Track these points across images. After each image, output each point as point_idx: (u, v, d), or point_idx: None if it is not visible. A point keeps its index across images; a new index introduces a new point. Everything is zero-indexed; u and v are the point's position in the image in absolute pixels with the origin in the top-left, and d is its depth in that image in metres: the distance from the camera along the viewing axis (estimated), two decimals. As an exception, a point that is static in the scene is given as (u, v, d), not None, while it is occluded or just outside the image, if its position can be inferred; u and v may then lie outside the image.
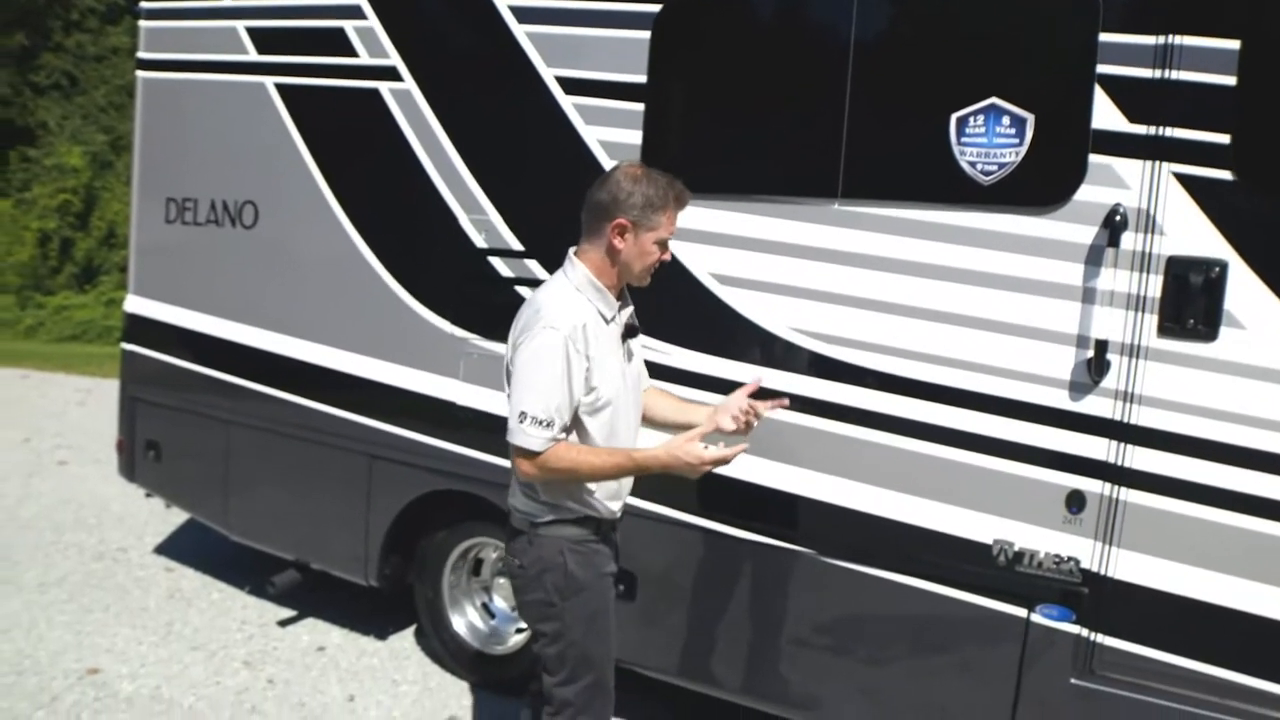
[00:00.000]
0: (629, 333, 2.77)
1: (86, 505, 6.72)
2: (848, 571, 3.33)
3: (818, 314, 3.31)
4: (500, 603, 4.37)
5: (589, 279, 2.66)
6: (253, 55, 4.55)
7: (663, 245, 2.68)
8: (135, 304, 5.12)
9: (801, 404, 3.33)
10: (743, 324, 3.42)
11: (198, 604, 5.09)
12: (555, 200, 3.77)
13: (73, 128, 20.95)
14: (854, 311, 3.25)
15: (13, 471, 7.57)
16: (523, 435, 2.55)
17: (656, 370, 3.55)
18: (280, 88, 4.45)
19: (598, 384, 2.62)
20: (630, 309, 2.82)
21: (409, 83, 4.06)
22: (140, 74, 5.09)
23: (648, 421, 2.99)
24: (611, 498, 2.81)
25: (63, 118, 21.45)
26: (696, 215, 3.46)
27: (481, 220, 3.89)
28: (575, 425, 2.66)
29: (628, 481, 2.85)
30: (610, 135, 3.62)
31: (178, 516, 6.18)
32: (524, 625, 4.23)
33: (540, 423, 2.53)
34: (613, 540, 2.89)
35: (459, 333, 3.96)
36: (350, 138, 4.30)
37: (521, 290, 3.81)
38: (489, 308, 3.92)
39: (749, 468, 3.42)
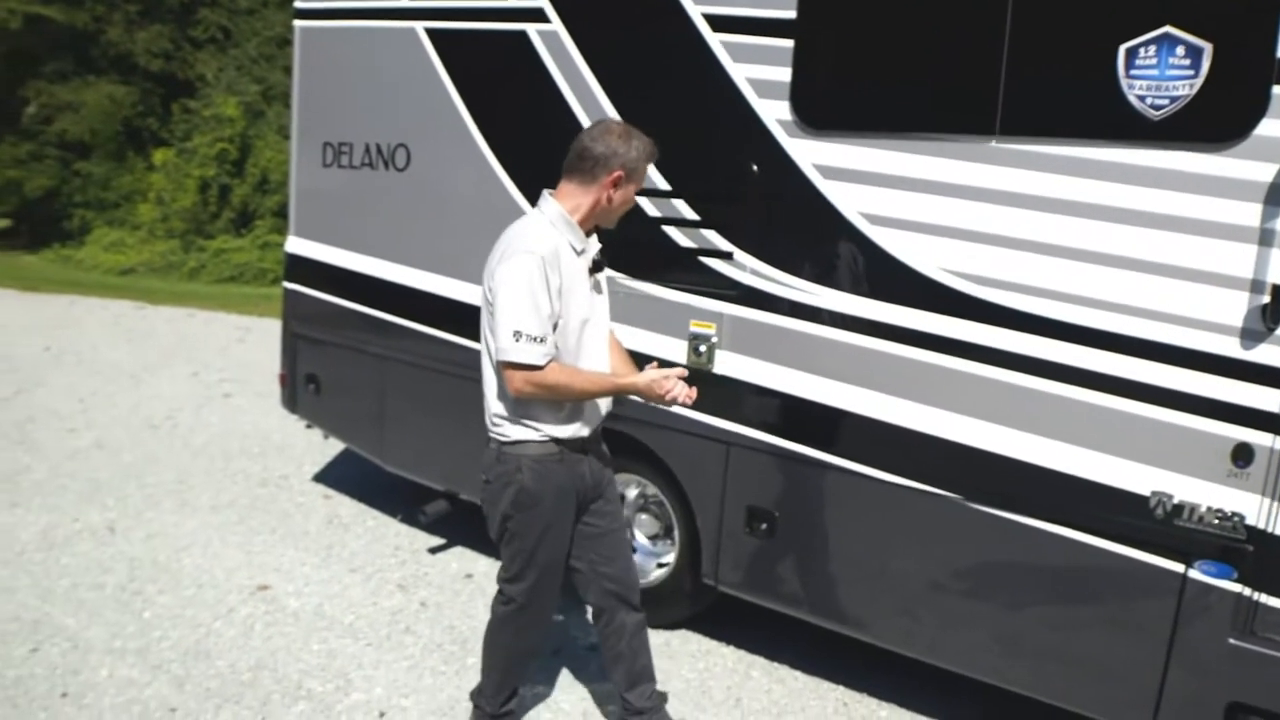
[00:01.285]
0: (596, 267, 3.00)
1: (250, 435, 7.14)
2: (993, 518, 3.26)
3: (972, 255, 3.21)
4: (641, 538, 4.45)
5: (562, 214, 2.90)
6: (403, 0, 4.65)
7: (637, 194, 3.01)
8: (295, 245, 5.36)
9: (953, 347, 3.26)
10: (893, 265, 3.35)
11: (354, 529, 5.36)
12: (702, 139, 3.78)
13: (228, 79, 21.87)
14: (1011, 253, 3.14)
15: (185, 403, 8.08)
16: (520, 351, 2.75)
17: (805, 311, 3.54)
18: (430, 32, 4.54)
19: (568, 308, 2.85)
20: (598, 246, 3.03)
21: (555, 24, 4.08)
22: (298, 23, 5.27)
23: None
24: (575, 422, 3.00)
25: (219, 70, 22.41)
26: (846, 153, 3.41)
27: (627, 161, 3.91)
28: (557, 350, 2.87)
29: (594, 409, 3.05)
30: (758, 73, 3.57)
31: (334, 447, 6.51)
32: (665, 560, 4.32)
33: (535, 339, 2.75)
34: (581, 461, 3.06)
35: (609, 271, 4.00)
36: (498, 80, 4.37)
37: (669, 231, 3.82)
38: (636, 248, 3.95)
39: (895, 410, 3.38)
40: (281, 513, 5.56)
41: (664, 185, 3.82)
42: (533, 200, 4.21)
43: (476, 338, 4.45)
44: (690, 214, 3.77)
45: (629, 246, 3.98)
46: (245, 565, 4.80)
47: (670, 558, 4.29)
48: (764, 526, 3.75)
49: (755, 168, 3.60)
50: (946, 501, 3.34)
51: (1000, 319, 3.18)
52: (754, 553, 3.82)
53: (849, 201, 3.42)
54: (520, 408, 2.92)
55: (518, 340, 2.75)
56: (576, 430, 3.01)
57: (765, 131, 3.55)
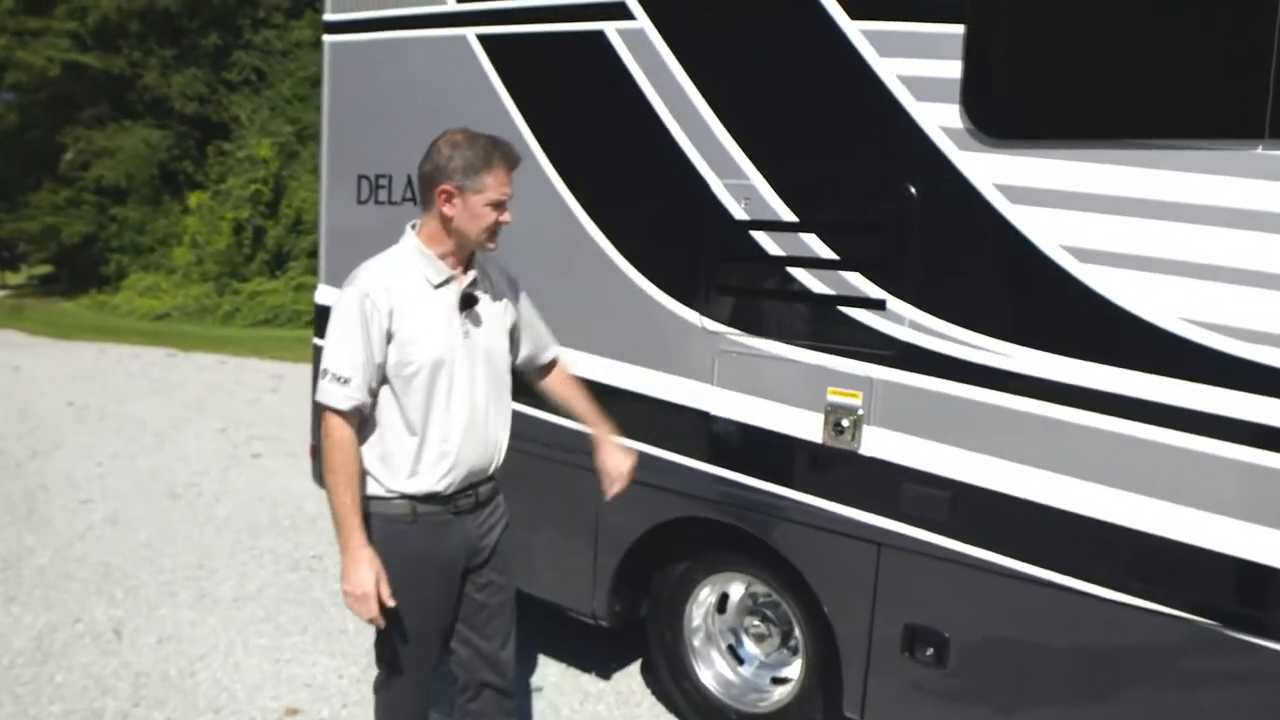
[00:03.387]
0: (465, 301, 2.56)
1: (281, 504, 6.29)
2: (1271, 654, 2.34)
3: (1229, 301, 2.32)
4: (752, 647, 3.55)
5: (417, 246, 2.57)
6: (451, 4, 3.83)
7: (497, 206, 2.50)
8: (326, 295, 4.54)
9: (1202, 425, 2.36)
10: (1112, 315, 2.45)
11: (399, 626, 4.48)
12: (839, 157, 2.92)
13: (262, 120, 21.43)
14: (1289, 297, 2.25)
15: (211, 465, 7.28)
16: (322, 390, 2.46)
17: (988, 376, 2.65)
18: (484, 39, 3.71)
19: (411, 349, 2.47)
20: (473, 276, 2.59)
21: (641, 20, 3.24)
22: (327, 38, 4.47)
23: (553, 400, 2.95)
24: (432, 475, 2.51)
25: (253, 111, 21.99)
26: (1043, 169, 2.53)
27: (740, 186, 3.04)
28: (391, 390, 2.49)
29: (467, 458, 2.56)
30: (915, 68, 2.70)
31: (373, 519, 5.66)
32: (786, 675, 3.44)
33: (339, 379, 2.43)
34: (445, 524, 2.58)
35: (712, 326, 3.14)
36: (569, 93, 3.53)
37: (795, 272, 2.95)
38: (752, 295, 3.09)
39: (1122, 508, 2.48)
40: (315, 605, 4.70)
41: (788, 216, 2.95)
42: (615, 238, 3.41)
43: (542, 405, 3.66)
44: (825, 252, 2.89)
45: (740, 295, 3.13)
46: (271, 679, 3.93)
47: (793, 672, 3.40)
48: (929, 652, 2.84)
49: (913, 190, 2.73)
50: (1198, 629, 2.42)
51: (1273, 387, 2.29)
52: (915, 684, 2.90)
53: (1047, 232, 2.53)
54: (367, 456, 2.52)
55: (323, 378, 2.45)
56: (432, 486, 2.52)
57: (926, 143, 2.68)
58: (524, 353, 2.83)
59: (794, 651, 3.43)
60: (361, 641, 4.28)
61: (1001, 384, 2.62)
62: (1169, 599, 2.46)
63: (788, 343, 2.99)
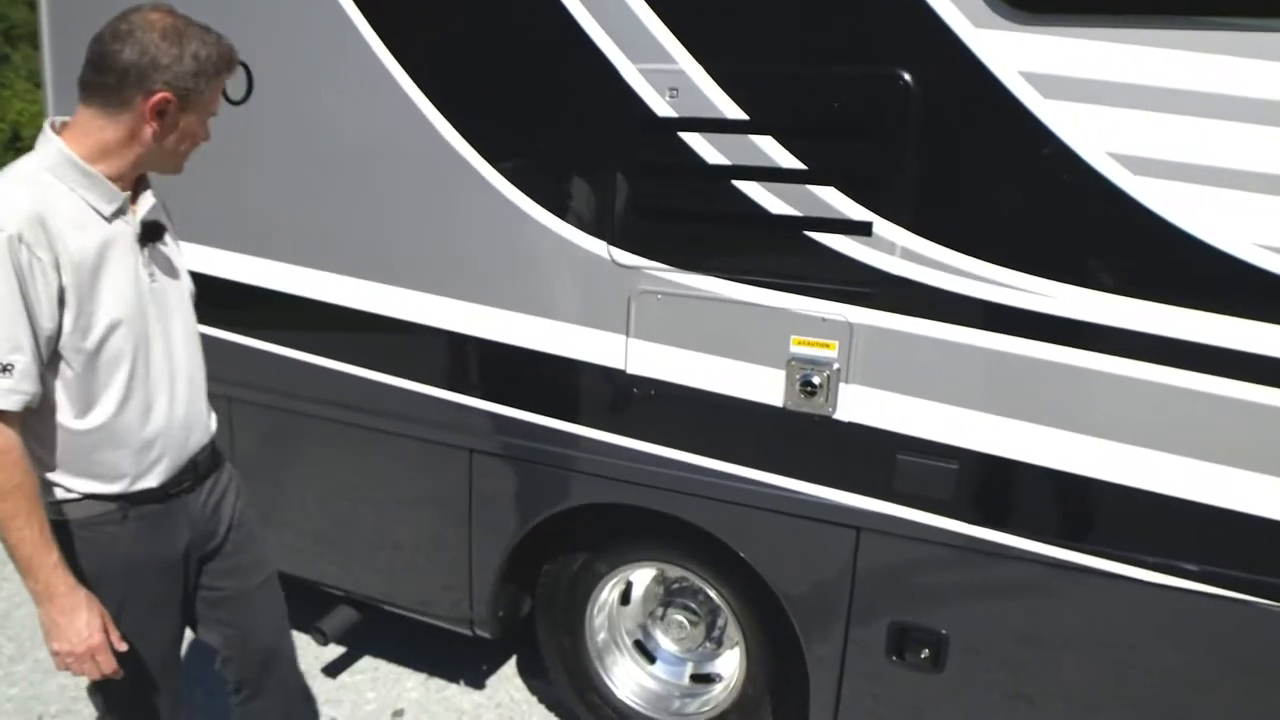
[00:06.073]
0: (150, 233, 1.86)
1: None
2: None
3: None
4: (667, 642, 2.89)
5: (70, 160, 1.75)
6: None
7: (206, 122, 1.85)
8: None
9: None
10: (1173, 241, 1.88)
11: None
12: (810, 34, 2.14)
13: (-44, 17, 17.96)
14: None
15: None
16: None
17: (1010, 319, 2.03)
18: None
19: (93, 312, 1.75)
20: (151, 200, 1.88)
21: None
22: None
23: None
24: (132, 472, 1.85)
25: (-57, 6, 18.39)
26: (1088, 56, 1.89)
27: (664, 73, 2.21)
28: (66, 367, 1.75)
29: (170, 437, 1.89)
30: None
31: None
32: (713, 671, 2.83)
33: None
34: (164, 514, 1.93)
35: (626, 260, 2.34)
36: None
37: (743, 187, 2.19)
38: (682, 218, 2.31)
39: (1174, 474, 1.96)
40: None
41: (734, 113, 2.17)
42: (482, 143, 2.50)
43: (391, 367, 2.73)
44: (787, 161, 2.14)
45: (662, 218, 2.35)
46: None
47: (724, 668, 2.78)
48: (924, 654, 2.27)
49: (909, 80, 2.03)
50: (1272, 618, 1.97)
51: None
52: (905, 695, 2.33)
53: (1089, 134, 1.90)
54: (42, 450, 1.78)
55: None
56: (141, 483, 1.86)
57: (928, 19, 1.97)
58: None
59: (719, 644, 2.81)
60: (35, 706, 3.22)
61: (1026, 329, 2.01)
62: (1221, 579, 1.99)
63: (734, 280, 2.25)
